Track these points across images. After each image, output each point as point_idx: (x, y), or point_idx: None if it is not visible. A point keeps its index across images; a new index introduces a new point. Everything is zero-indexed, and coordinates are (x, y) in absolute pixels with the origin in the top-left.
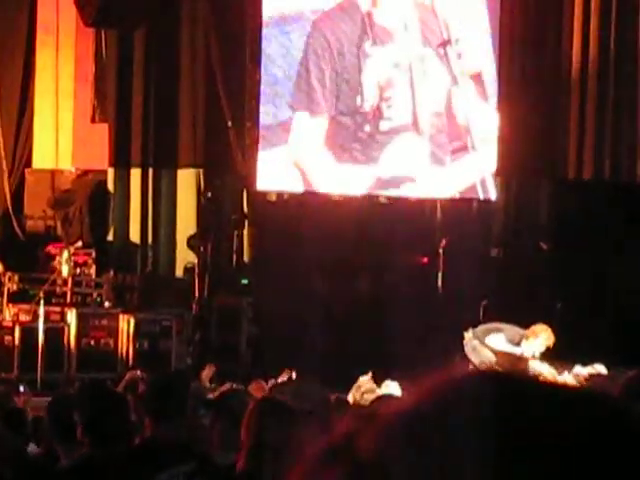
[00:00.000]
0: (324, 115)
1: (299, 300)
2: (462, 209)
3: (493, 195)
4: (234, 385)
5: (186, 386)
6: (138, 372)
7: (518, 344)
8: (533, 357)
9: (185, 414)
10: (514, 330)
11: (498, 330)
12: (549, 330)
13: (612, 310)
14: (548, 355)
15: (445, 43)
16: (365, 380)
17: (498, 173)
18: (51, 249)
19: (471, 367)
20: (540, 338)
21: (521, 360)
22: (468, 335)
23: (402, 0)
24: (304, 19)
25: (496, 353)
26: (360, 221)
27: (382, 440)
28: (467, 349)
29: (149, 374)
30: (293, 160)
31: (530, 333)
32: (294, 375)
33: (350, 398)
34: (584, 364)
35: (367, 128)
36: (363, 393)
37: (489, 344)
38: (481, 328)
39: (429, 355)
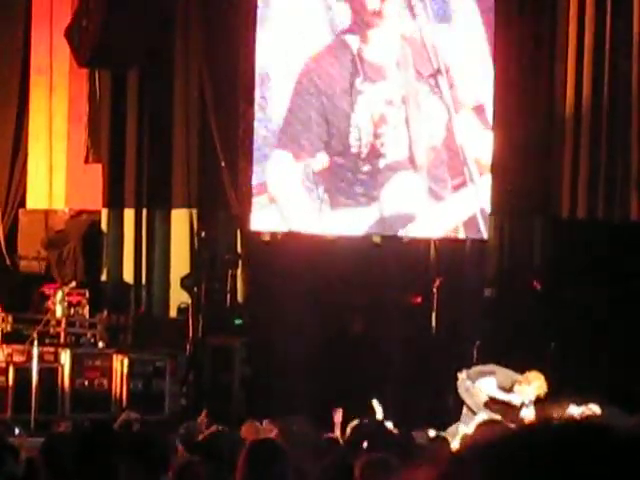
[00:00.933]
0: (306, 159)
1: (293, 340)
2: (456, 248)
3: (486, 234)
4: (220, 428)
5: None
6: (132, 414)
7: (510, 390)
8: (523, 405)
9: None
10: (507, 374)
11: (491, 373)
12: (542, 378)
13: (606, 349)
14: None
15: (435, 74)
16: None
17: (492, 211)
18: (45, 289)
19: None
20: (532, 387)
21: (511, 408)
22: (462, 376)
23: (391, 35)
24: (294, 64)
25: (488, 399)
26: (354, 261)
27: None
28: (460, 390)
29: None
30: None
31: (523, 380)
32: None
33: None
34: (578, 404)
35: (364, 167)
36: None
37: (480, 388)
38: (474, 370)
39: (422, 395)
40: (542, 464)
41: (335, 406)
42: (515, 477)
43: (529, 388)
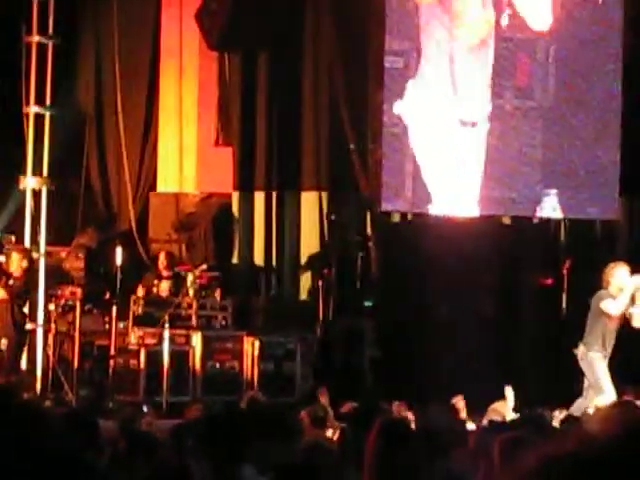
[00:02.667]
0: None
1: (423, 321)
2: (586, 229)
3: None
4: (354, 405)
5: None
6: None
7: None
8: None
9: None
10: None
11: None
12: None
13: None
14: None
15: None
16: (500, 404)
17: (621, 191)
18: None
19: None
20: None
21: None
22: (579, 349)
23: None
24: None
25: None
26: (484, 242)
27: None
28: (581, 363)
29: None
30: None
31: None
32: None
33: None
34: None
35: None
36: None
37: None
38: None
39: (553, 378)
40: None
41: (463, 391)
42: None
43: (620, 277)
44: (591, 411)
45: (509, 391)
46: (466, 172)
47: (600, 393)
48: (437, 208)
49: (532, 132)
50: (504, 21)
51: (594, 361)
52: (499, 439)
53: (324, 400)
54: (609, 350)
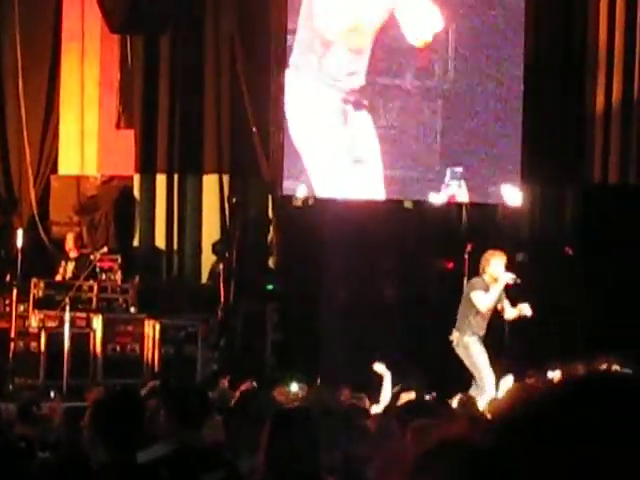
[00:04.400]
0: None
1: (324, 305)
2: (487, 213)
3: (519, 200)
4: (253, 383)
5: (206, 394)
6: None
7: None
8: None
9: (208, 420)
10: (476, 284)
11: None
12: (490, 254)
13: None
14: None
15: None
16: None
17: (523, 177)
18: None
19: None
20: (495, 264)
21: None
22: (454, 335)
23: None
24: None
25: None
26: (385, 226)
27: (506, 431)
28: (458, 351)
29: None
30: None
31: (485, 267)
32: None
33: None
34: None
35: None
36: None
37: (471, 322)
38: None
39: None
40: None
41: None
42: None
43: (495, 267)
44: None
45: (380, 368)
46: (364, 155)
47: (479, 378)
48: (338, 191)
49: (432, 114)
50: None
51: (469, 345)
52: (411, 427)
53: (224, 385)
54: (482, 333)
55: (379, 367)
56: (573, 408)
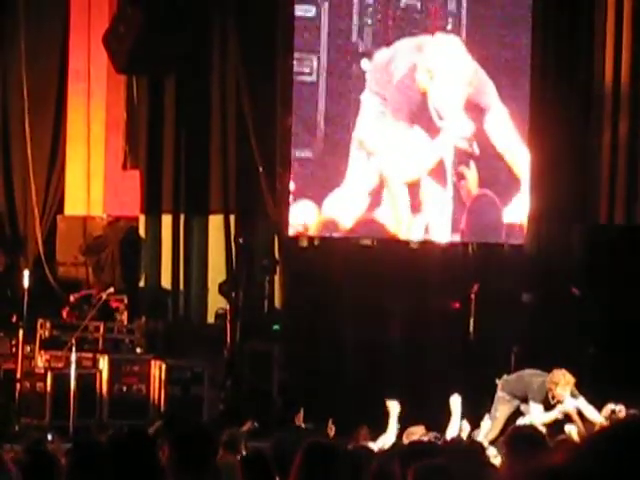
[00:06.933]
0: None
1: (330, 345)
2: (494, 253)
3: (524, 239)
4: (255, 423)
5: (212, 437)
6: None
7: (546, 397)
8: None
9: (212, 464)
10: (537, 383)
11: (527, 390)
12: (563, 374)
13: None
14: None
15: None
16: (417, 429)
17: (529, 217)
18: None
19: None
20: (562, 387)
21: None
22: (500, 382)
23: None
24: None
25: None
26: (392, 266)
27: None
28: (497, 395)
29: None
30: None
31: (550, 383)
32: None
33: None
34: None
35: None
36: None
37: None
38: (508, 379)
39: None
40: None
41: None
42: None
43: (560, 390)
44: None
45: (392, 404)
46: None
47: (492, 423)
48: (344, 231)
49: None
50: None
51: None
52: (415, 467)
53: (246, 427)
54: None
55: (391, 402)
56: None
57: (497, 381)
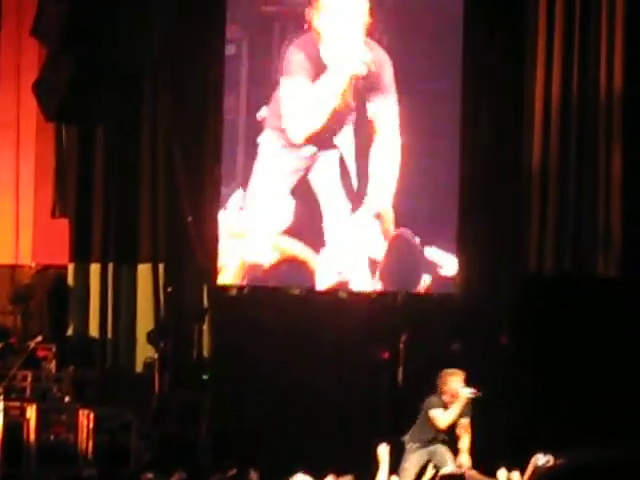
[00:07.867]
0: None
1: (258, 395)
2: (423, 303)
3: (453, 289)
4: (183, 474)
5: None
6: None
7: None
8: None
9: None
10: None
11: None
12: (451, 372)
13: (574, 404)
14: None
15: None
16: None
17: (459, 267)
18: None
19: None
20: (454, 382)
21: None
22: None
23: None
24: None
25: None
26: (320, 316)
27: None
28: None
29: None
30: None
31: (442, 386)
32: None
33: None
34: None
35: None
36: None
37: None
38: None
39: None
40: None
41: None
42: None
43: (453, 384)
44: None
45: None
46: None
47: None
48: (273, 281)
49: None
50: None
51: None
52: None
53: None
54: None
55: (382, 450)
56: None
57: (403, 438)
